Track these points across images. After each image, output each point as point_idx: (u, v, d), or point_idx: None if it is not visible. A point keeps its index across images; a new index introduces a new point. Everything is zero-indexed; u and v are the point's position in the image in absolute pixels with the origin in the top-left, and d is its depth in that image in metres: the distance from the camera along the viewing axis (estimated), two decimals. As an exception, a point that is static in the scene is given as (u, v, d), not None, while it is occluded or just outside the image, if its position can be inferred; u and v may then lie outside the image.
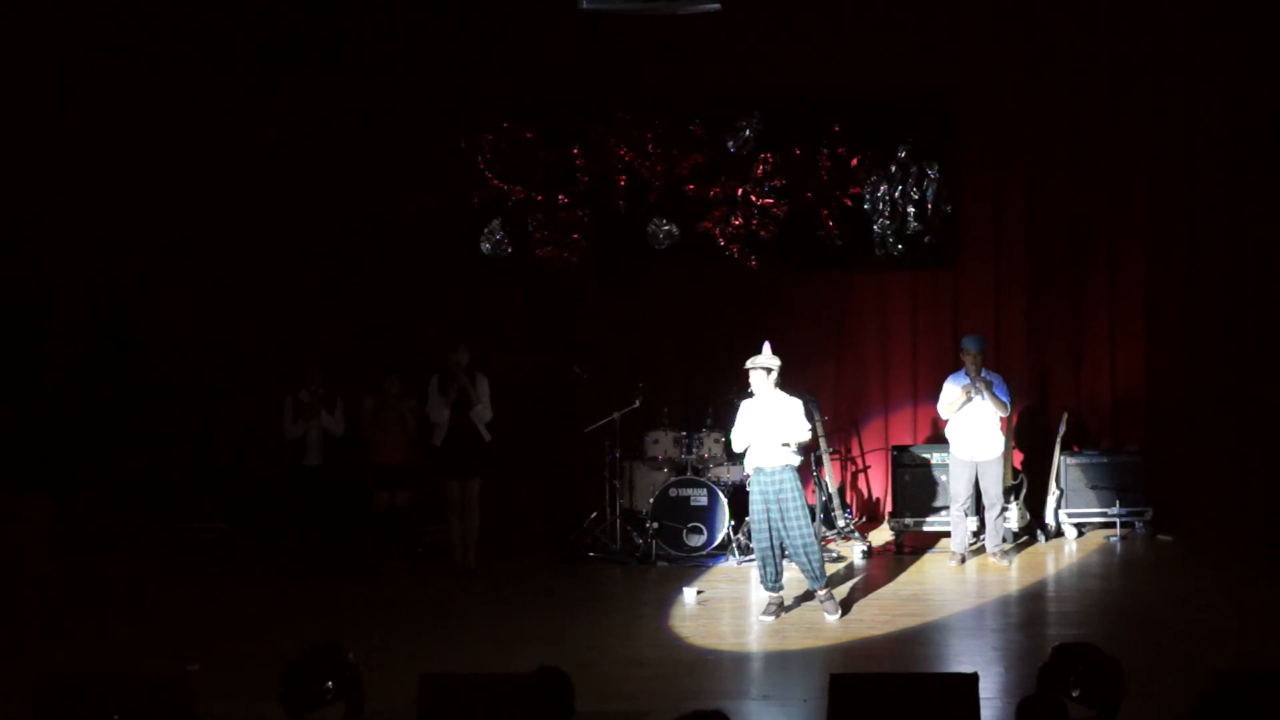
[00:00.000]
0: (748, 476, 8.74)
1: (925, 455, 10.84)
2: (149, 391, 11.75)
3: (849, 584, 9.43)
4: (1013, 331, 11.61)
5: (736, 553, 10.22)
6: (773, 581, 8.64)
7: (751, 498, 8.69)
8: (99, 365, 11.71)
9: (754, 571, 9.84)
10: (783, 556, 8.64)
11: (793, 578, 8.85)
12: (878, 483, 11.72)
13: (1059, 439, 10.83)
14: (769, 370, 8.62)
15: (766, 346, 8.88)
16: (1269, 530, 10.64)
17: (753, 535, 8.75)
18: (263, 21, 11.56)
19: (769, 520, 8.53)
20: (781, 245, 11.60)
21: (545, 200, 11.73)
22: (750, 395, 8.70)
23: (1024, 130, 11.55)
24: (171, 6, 11.47)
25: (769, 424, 8.55)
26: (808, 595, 8.88)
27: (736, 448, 8.81)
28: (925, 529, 10.75)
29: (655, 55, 11.54)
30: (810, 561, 8.55)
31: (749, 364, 8.68)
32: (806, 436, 8.73)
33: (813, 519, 9.12)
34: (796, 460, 8.63)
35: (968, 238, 11.65)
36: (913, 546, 10.65)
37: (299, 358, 10.97)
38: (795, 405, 8.65)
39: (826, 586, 8.67)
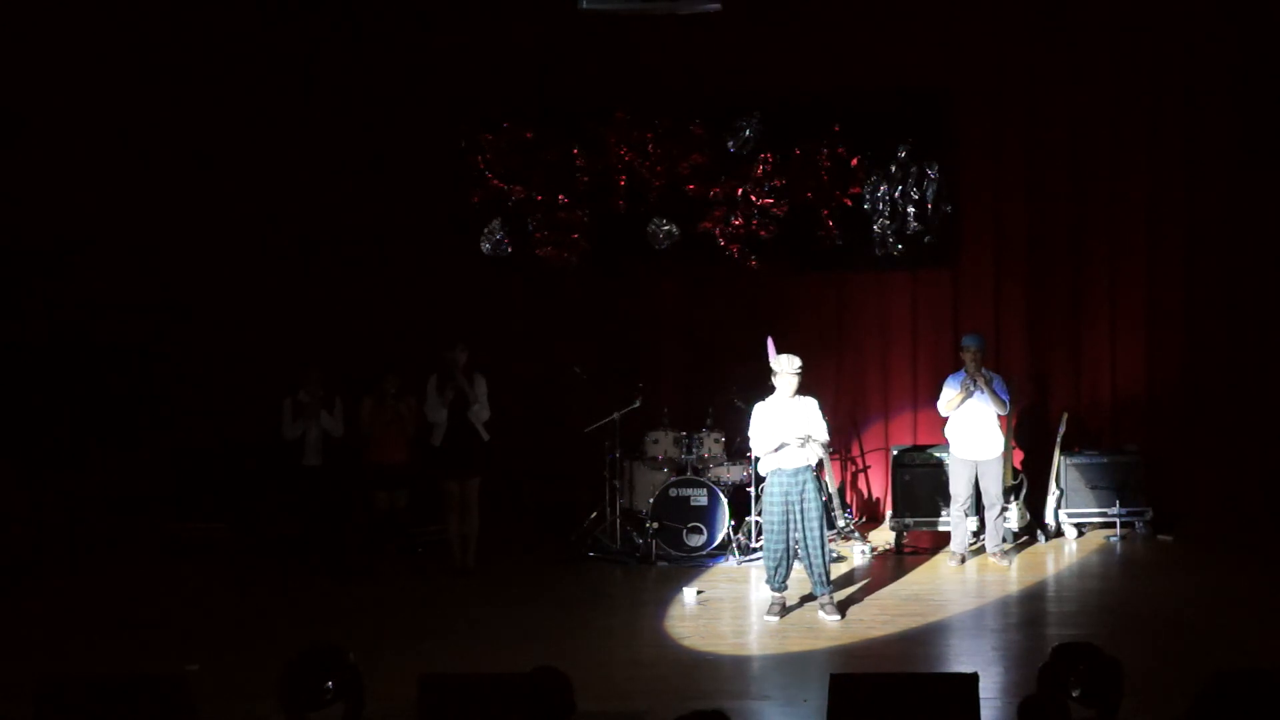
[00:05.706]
0: (748, 476, 8.71)
1: (925, 455, 10.84)
2: (148, 391, 11.74)
3: (849, 584, 9.44)
4: (1013, 331, 11.60)
5: (736, 553, 10.21)
6: (780, 582, 8.63)
7: (769, 498, 8.62)
8: (99, 366, 11.70)
9: (754, 571, 9.86)
10: (793, 558, 8.65)
11: (795, 578, 8.83)
12: (878, 483, 11.71)
13: (1059, 439, 10.83)
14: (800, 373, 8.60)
15: (771, 344, 8.83)
16: (1269, 530, 10.64)
17: (767, 536, 8.69)
18: (262, 22, 11.56)
19: (788, 521, 8.51)
20: (781, 245, 11.60)
21: (545, 200, 11.72)
22: (766, 398, 8.65)
23: (1024, 130, 11.54)
24: (171, 8, 11.46)
25: (791, 425, 8.53)
26: (809, 596, 8.87)
27: (762, 451, 8.63)
28: (925, 529, 10.76)
29: (655, 55, 11.54)
30: (824, 564, 8.57)
31: (790, 368, 8.53)
32: (827, 436, 8.76)
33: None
34: (815, 460, 8.64)
35: (968, 238, 11.65)
36: (913, 547, 10.66)
37: (299, 358, 10.97)
38: (813, 404, 8.65)
39: (830, 590, 8.68)
